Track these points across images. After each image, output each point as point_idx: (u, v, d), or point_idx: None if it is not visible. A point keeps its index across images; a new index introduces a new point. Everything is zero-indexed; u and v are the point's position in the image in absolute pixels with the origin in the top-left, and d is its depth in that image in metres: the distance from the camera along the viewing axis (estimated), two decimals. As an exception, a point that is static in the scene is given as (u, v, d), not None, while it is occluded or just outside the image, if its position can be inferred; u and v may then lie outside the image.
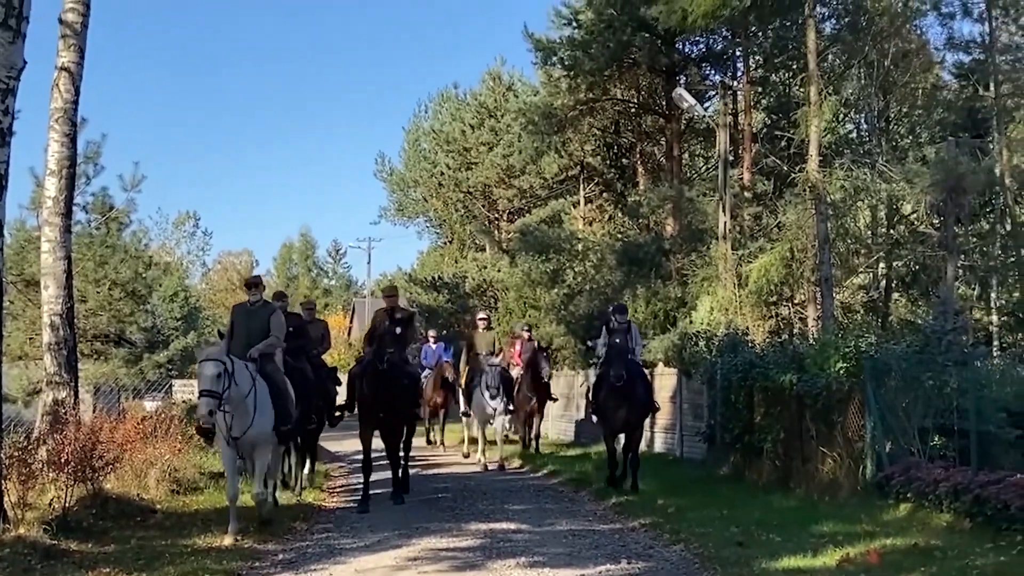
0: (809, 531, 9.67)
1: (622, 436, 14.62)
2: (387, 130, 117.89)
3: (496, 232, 41.04)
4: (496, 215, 41.66)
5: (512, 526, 11.34)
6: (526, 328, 22.30)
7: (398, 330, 12.58)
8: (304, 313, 15.77)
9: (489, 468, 17.27)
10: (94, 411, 17.92)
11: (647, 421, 15.99)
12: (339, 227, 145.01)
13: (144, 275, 26.79)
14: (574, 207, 35.81)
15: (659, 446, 19.92)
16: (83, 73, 14.41)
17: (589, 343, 24.74)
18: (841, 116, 26.15)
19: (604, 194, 34.15)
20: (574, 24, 29.31)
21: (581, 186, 35.16)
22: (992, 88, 24.84)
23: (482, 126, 41.47)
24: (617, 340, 13.85)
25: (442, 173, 43.00)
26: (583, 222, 34.64)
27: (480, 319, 20.40)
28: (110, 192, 23.85)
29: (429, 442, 22.47)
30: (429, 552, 9.69)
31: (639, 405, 14.23)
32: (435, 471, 17.87)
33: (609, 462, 14.35)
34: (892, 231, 25.19)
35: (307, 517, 12.25)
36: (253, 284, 12.18)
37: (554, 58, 29.98)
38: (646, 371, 16.95)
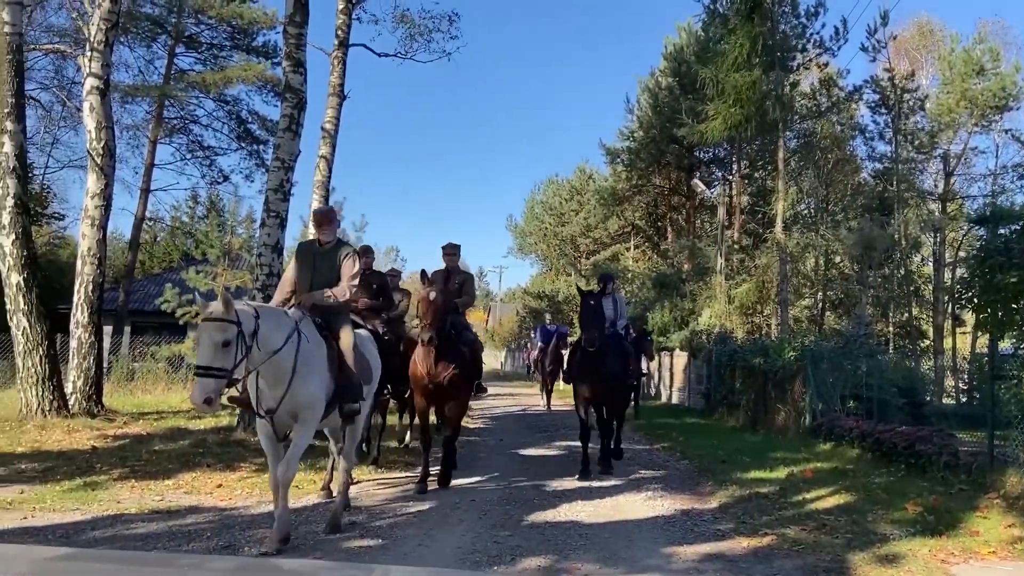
0: (768, 456, 9.51)
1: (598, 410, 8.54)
2: (514, 201, 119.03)
3: (578, 264, 41.04)
4: (578, 254, 41.62)
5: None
6: None
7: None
8: (389, 280, 9.13)
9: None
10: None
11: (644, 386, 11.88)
12: (481, 258, 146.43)
13: (361, 277, 27.59)
14: (627, 251, 35.64)
15: (675, 399, 19.72)
16: (334, 158, 14.39)
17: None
18: (797, 200, 25.61)
19: (646, 243, 33.87)
20: (631, 139, 29.28)
21: (632, 238, 34.94)
22: (895, 185, 24.33)
23: (572, 199, 41.62)
24: (591, 302, 7.96)
25: (547, 227, 43.22)
26: (632, 260, 34.40)
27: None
28: (347, 231, 24.54)
29: (548, 405, 17.13)
30: (529, 455, 9.77)
31: (610, 376, 8.18)
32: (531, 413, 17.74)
33: (581, 435, 8.32)
34: (827, 272, 24.63)
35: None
36: (324, 221, 5.67)
37: (618, 159, 30.03)
38: (632, 344, 10.80)
